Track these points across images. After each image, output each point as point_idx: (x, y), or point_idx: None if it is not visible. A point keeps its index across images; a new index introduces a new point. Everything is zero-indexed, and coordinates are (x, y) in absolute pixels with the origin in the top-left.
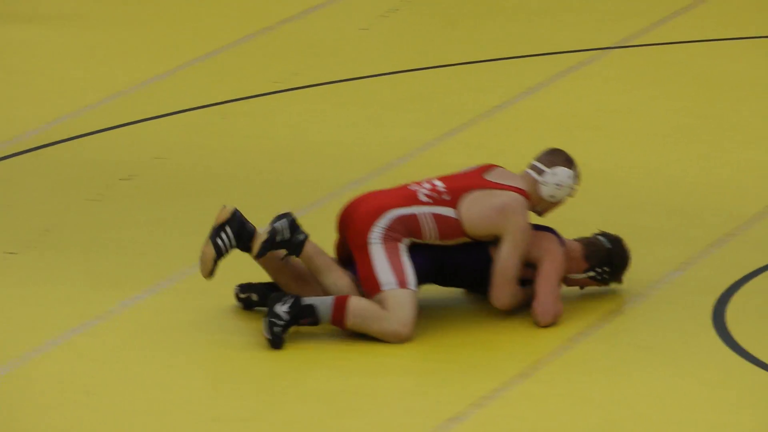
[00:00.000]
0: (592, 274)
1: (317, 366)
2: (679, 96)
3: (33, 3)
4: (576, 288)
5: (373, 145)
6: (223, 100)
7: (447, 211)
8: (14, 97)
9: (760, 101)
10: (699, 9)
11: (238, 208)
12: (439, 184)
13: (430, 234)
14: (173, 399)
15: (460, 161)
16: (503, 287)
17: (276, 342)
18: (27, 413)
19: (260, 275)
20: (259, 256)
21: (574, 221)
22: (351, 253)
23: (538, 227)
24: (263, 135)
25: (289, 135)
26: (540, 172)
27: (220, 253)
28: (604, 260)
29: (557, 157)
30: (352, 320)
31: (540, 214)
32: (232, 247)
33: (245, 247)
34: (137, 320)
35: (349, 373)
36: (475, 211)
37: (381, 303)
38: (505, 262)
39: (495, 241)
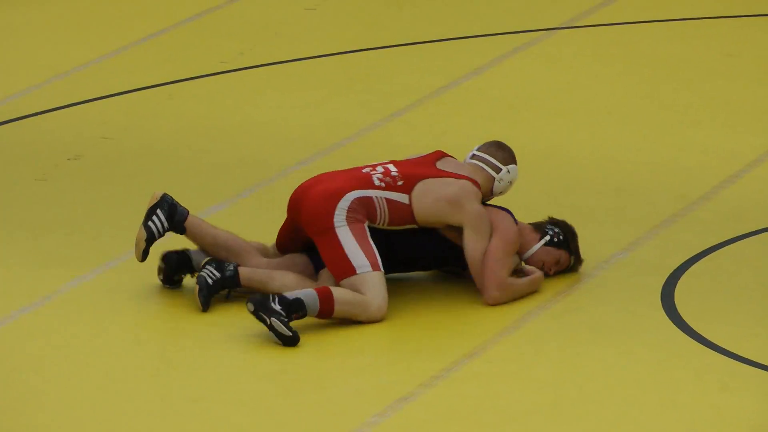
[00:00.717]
0: (547, 238)
1: (265, 346)
2: (624, 76)
3: None
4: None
5: (320, 125)
6: (170, 80)
7: (400, 197)
8: None
9: (705, 82)
10: None
11: (186, 189)
12: (393, 169)
13: (382, 219)
14: (122, 378)
15: (407, 142)
16: (487, 278)
17: (295, 339)
18: None
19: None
20: (203, 305)
21: (518, 202)
22: (301, 238)
23: (491, 206)
24: (210, 115)
25: (236, 115)
26: (497, 169)
27: (152, 236)
28: (554, 224)
29: (508, 154)
30: (338, 310)
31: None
32: (165, 229)
33: (178, 228)
34: (85, 300)
35: (297, 352)
36: (429, 200)
37: (356, 287)
38: (474, 252)
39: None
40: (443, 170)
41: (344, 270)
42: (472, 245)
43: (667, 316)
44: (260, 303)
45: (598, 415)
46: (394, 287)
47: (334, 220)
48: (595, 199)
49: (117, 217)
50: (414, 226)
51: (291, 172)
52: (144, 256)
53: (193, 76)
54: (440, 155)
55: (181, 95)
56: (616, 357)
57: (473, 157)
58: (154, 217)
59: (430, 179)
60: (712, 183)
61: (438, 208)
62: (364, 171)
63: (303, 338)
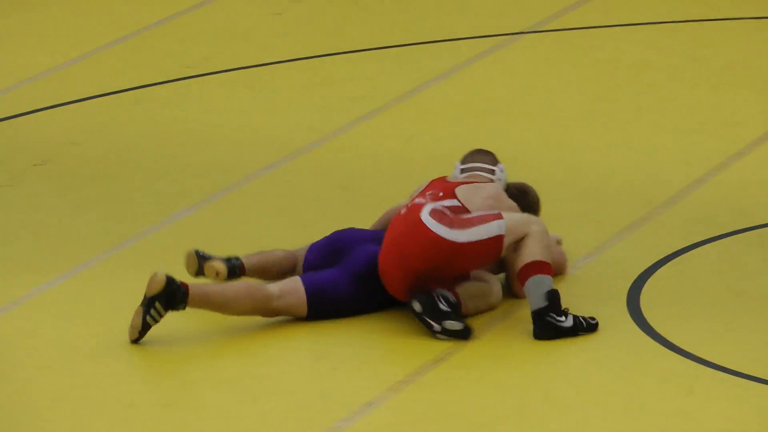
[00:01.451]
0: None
1: (231, 352)
2: (589, 81)
3: None
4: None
5: (286, 130)
6: (137, 85)
7: (450, 202)
8: None
9: (671, 86)
10: None
11: (153, 194)
12: (426, 194)
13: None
14: (88, 385)
15: (373, 145)
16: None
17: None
18: None
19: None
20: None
21: None
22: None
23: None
24: (176, 120)
25: (202, 120)
26: (490, 172)
27: (147, 328)
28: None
29: (491, 156)
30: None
31: None
32: (160, 318)
33: (178, 307)
34: (52, 306)
35: (264, 359)
36: (477, 201)
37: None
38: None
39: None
40: (461, 180)
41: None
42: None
43: (633, 320)
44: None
45: (565, 419)
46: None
47: (441, 234)
48: (562, 203)
49: (85, 222)
50: None
51: (258, 177)
52: (137, 341)
53: (159, 81)
54: (439, 180)
55: (147, 100)
56: (582, 361)
57: (463, 171)
58: (152, 311)
59: (463, 186)
60: (677, 187)
61: (488, 206)
62: (405, 210)
63: (268, 343)
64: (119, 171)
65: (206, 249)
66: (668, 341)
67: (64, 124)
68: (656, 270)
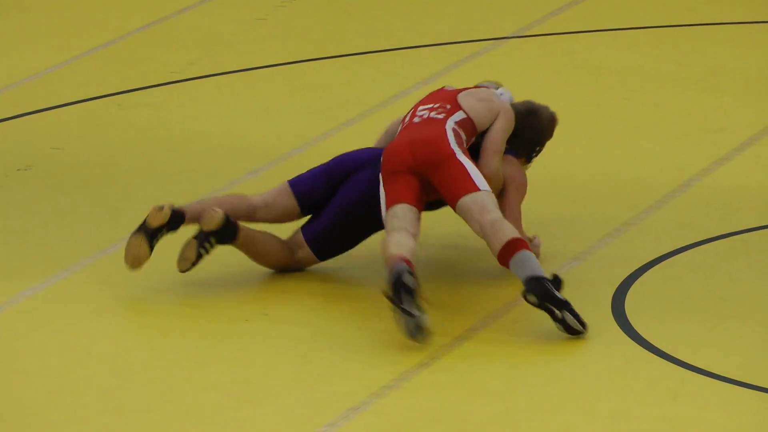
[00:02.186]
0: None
1: (215, 357)
2: (573, 86)
3: None
4: (478, 274)
5: (270, 135)
6: (120, 90)
7: (460, 115)
8: None
9: (654, 91)
10: (593, 0)
11: (136, 199)
12: (430, 105)
13: (467, 140)
14: (72, 390)
15: None
16: (493, 156)
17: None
18: None
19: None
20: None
21: None
22: (419, 186)
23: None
24: (160, 125)
25: (186, 125)
26: (495, 89)
27: (198, 260)
28: (536, 143)
29: (493, 86)
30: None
31: (526, 159)
32: (210, 251)
33: (229, 243)
34: (35, 311)
35: (248, 364)
36: (477, 105)
37: (480, 202)
38: (497, 134)
39: None
40: (458, 88)
41: (467, 188)
42: (498, 129)
43: (618, 325)
44: (544, 294)
45: (550, 425)
46: (337, 299)
47: (450, 147)
48: (547, 208)
49: (69, 227)
50: (473, 138)
51: (241, 182)
52: (186, 271)
53: (143, 86)
54: (439, 91)
55: (131, 105)
56: (567, 367)
57: (462, 90)
58: (206, 244)
59: (461, 93)
60: (662, 192)
61: (487, 110)
62: (418, 117)
63: (250, 349)
64: (103, 176)
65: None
66: (653, 346)
67: (47, 129)
68: (641, 275)
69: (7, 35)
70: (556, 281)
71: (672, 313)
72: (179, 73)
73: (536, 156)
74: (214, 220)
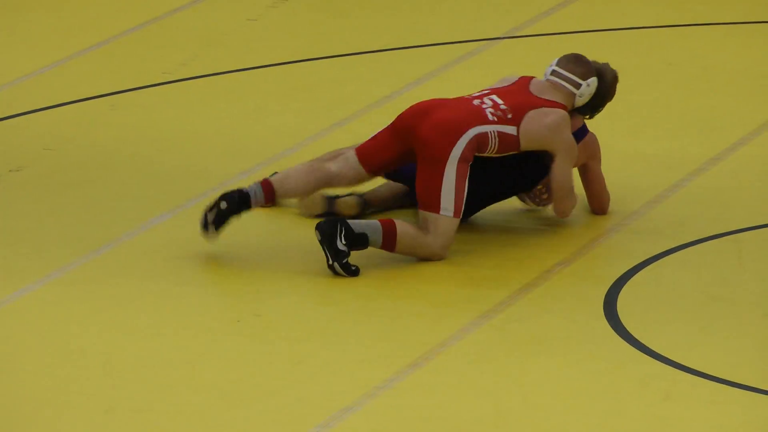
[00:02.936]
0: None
1: (208, 357)
2: None
3: None
4: (472, 268)
5: (262, 135)
6: (113, 90)
7: (510, 129)
8: None
9: (646, 91)
10: (585, 0)
11: (129, 199)
12: (499, 101)
13: (492, 149)
14: (65, 390)
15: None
16: (564, 200)
17: (355, 272)
18: None
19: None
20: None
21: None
22: (399, 154)
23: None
24: (152, 126)
25: (179, 125)
26: (576, 85)
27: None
28: (600, 105)
29: (586, 68)
30: (399, 247)
31: (589, 116)
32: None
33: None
34: (28, 311)
35: (240, 364)
36: (532, 130)
37: (428, 223)
38: (562, 176)
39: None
40: (540, 98)
41: (430, 204)
42: (560, 170)
43: (610, 325)
44: (328, 237)
45: (542, 425)
46: (331, 300)
47: (451, 154)
48: (539, 208)
49: (61, 227)
50: (515, 152)
51: (234, 182)
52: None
53: (135, 86)
54: (528, 80)
55: (123, 106)
56: (559, 367)
57: (553, 73)
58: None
59: (533, 110)
60: (654, 192)
61: (540, 137)
62: (474, 104)
63: (242, 349)
64: (95, 177)
65: (184, 253)
66: (645, 346)
67: (39, 130)
68: (633, 275)
69: None
70: (361, 237)
71: (664, 313)
72: (171, 74)
73: (596, 113)
74: (352, 207)
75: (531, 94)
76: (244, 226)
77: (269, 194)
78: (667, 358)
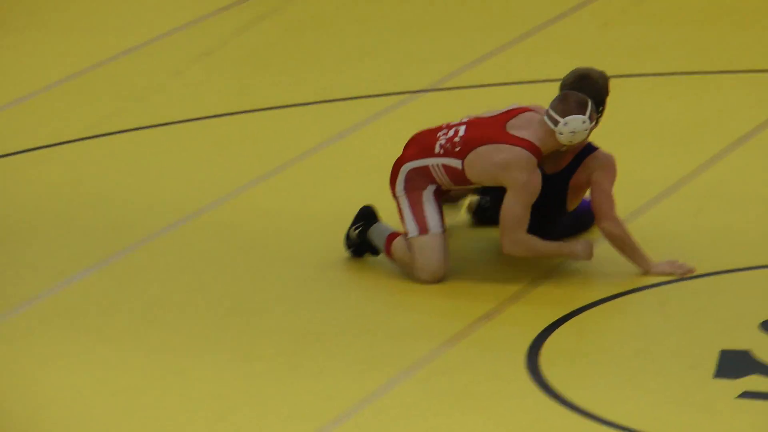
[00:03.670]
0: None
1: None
2: None
3: None
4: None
5: (187, 189)
6: (34, 146)
7: (455, 163)
8: None
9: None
10: (506, 53)
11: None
12: (461, 133)
13: (443, 181)
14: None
15: (273, 205)
16: (508, 234)
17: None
18: None
19: None
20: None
21: None
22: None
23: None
24: (75, 181)
25: (103, 180)
26: (555, 122)
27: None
28: (598, 105)
29: (568, 105)
30: (395, 261)
31: (573, 151)
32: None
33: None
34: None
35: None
36: (477, 166)
37: (409, 248)
38: (507, 210)
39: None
40: (508, 133)
41: (405, 232)
42: (506, 205)
43: (531, 379)
44: (356, 219)
45: None
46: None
47: (396, 189)
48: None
49: None
50: (473, 185)
51: (157, 237)
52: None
53: (57, 142)
54: (517, 112)
55: (46, 162)
56: (480, 421)
57: (555, 99)
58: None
59: (484, 146)
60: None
61: (485, 174)
62: (437, 135)
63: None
64: (16, 234)
65: (110, 307)
66: (568, 401)
67: None
68: (557, 327)
69: None
70: (366, 242)
71: (587, 366)
72: (94, 129)
73: (602, 114)
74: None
75: (501, 128)
76: (165, 285)
77: None
78: (590, 413)
